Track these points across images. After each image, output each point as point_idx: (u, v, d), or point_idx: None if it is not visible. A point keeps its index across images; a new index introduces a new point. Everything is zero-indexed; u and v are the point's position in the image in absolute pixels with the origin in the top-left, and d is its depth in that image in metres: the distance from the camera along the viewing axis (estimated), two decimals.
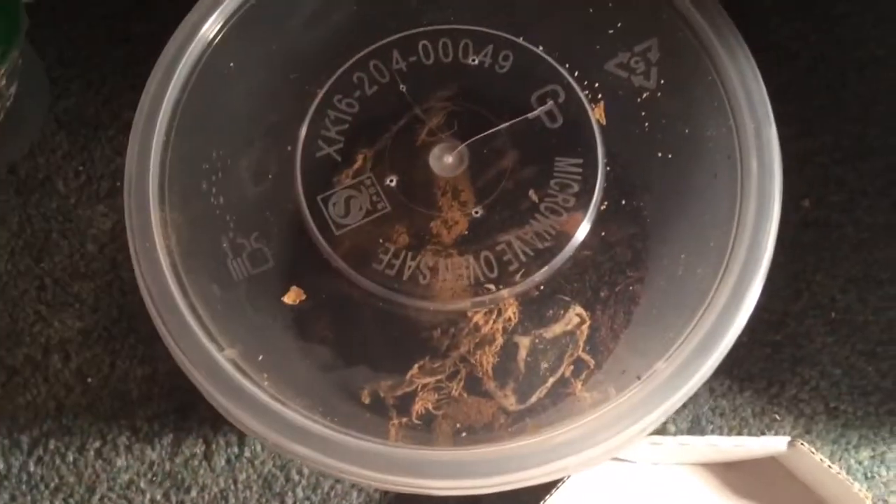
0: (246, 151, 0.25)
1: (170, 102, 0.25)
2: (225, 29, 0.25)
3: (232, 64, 0.25)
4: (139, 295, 0.35)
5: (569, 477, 0.30)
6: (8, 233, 0.35)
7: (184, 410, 0.33)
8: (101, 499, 0.32)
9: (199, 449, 0.33)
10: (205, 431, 0.33)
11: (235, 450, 0.33)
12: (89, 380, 0.34)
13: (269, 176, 0.25)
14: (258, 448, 0.33)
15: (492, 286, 0.25)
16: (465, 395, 0.27)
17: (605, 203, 0.25)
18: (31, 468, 0.33)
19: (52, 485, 0.33)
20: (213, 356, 0.22)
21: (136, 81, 0.36)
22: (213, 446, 0.33)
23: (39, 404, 0.33)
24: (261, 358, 0.23)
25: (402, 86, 0.25)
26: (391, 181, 0.24)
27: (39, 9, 0.34)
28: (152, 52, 0.26)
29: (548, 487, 0.31)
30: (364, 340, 0.24)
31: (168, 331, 0.22)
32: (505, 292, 0.25)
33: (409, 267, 0.23)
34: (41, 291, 0.35)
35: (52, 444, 0.33)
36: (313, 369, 0.23)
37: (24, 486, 0.32)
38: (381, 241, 0.24)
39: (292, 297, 0.23)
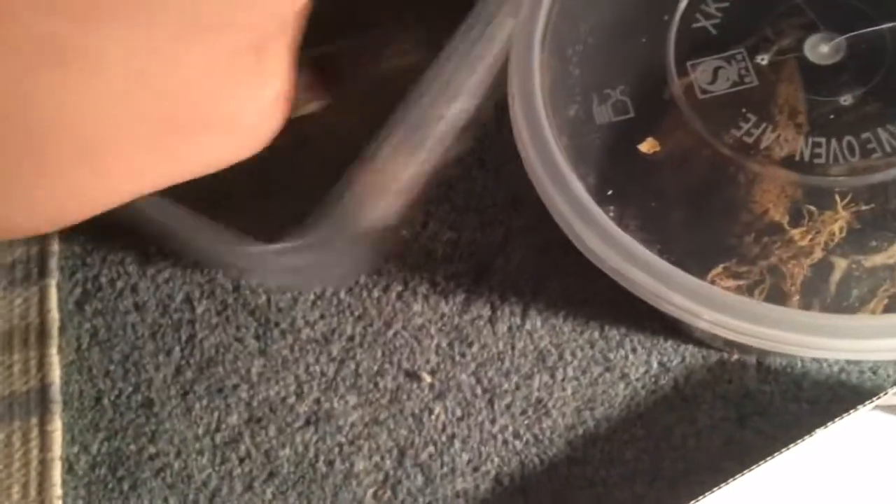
0: (624, 15, 0.27)
1: None
2: None
3: None
4: (455, 170, 0.38)
5: (848, 413, 0.30)
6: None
7: (478, 276, 0.36)
8: (395, 334, 0.36)
9: (486, 312, 0.36)
10: (493, 298, 0.36)
11: (518, 320, 0.35)
12: (404, 233, 0.38)
13: (643, 39, 0.26)
14: (538, 323, 0.35)
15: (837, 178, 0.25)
16: None
17: None
18: (342, 296, 0.37)
19: (357, 313, 0.37)
20: (567, 179, 0.24)
21: None
22: (498, 313, 0.36)
23: None
24: (609, 193, 0.25)
25: None
26: (762, 59, 0.25)
27: None
28: None
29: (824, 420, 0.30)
30: (699, 207, 0.25)
31: (532, 150, 0.25)
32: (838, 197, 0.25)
33: (769, 139, 0.24)
34: None
35: (362, 280, 0.37)
36: (657, 213, 0.25)
37: (333, 309, 0.37)
38: (743, 110, 0.25)
39: (647, 146, 0.25)
